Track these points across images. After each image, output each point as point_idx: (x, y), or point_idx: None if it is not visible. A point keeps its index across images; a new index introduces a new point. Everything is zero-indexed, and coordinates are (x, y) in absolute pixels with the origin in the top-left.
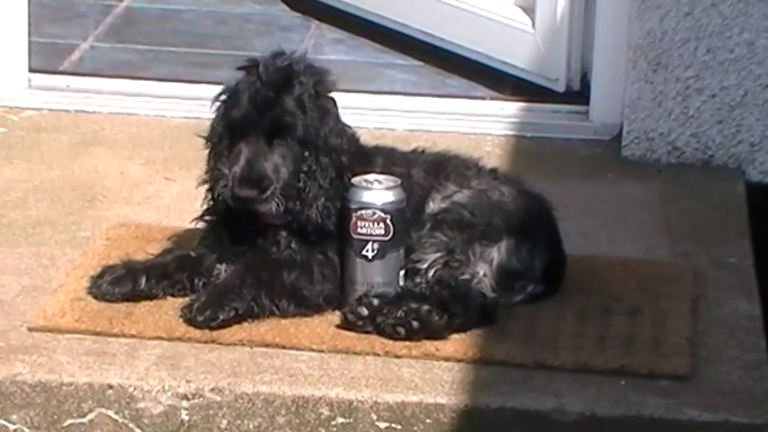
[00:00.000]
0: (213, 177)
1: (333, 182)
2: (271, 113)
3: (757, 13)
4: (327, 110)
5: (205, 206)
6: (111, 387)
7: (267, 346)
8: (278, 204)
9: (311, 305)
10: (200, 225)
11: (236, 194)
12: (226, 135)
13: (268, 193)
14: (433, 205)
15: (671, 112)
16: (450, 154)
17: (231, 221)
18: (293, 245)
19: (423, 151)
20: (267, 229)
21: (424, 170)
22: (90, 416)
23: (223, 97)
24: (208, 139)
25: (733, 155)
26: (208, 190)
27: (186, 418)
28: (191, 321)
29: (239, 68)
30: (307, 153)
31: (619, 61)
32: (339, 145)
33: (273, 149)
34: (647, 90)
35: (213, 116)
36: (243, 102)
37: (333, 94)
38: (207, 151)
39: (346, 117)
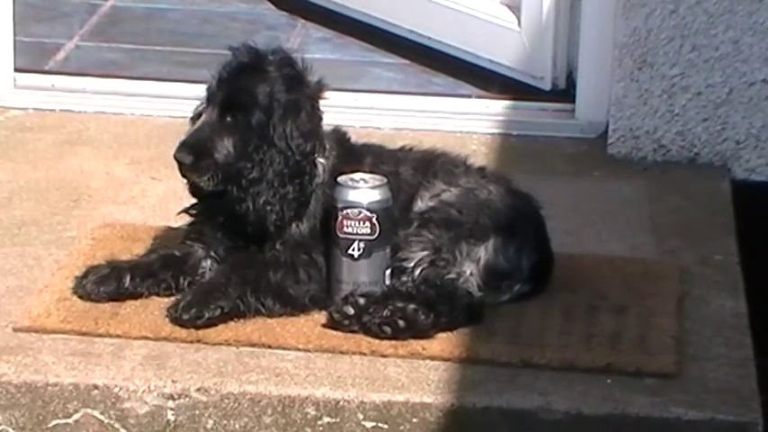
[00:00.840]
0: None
1: (284, 182)
2: (228, 88)
3: (742, 11)
4: (298, 109)
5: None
6: (96, 387)
7: (253, 345)
8: (212, 178)
9: (297, 305)
10: (185, 222)
11: (174, 157)
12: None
13: (203, 162)
14: (421, 203)
15: (656, 110)
16: (438, 152)
17: (215, 220)
18: (278, 245)
19: (411, 149)
20: (252, 229)
21: (412, 168)
22: (75, 416)
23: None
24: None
25: (718, 152)
26: None
27: (172, 418)
28: (176, 320)
29: (230, 48)
30: (259, 142)
31: (604, 59)
32: (301, 147)
33: (225, 125)
34: (632, 88)
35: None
36: (212, 78)
37: (321, 101)
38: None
39: (332, 116)
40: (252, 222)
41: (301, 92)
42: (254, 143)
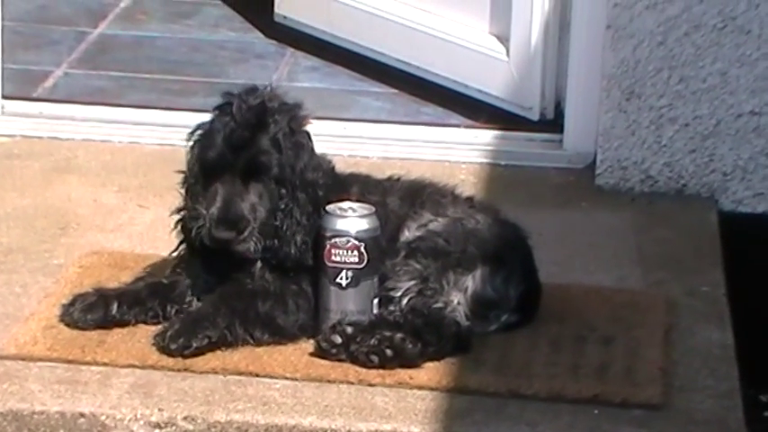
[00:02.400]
0: (191, 217)
1: (310, 216)
2: (246, 154)
3: (729, 43)
4: (302, 144)
5: (179, 240)
6: (83, 416)
7: (241, 374)
8: (255, 243)
9: (286, 334)
10: (174, 254)
11: (213, 236)
12: (201, 175)
13: (246, 233)
14: (408, 233)
15: (644, 141)
16: (426, 182)
17: (205, 252)
18: (267, 276)
19: (398, 179)
20: (242, 261)
21: (399, 198)
22: None
23: (197, 137)
24: (184, 178)
25: (706, 184)
26: (182, 228)
27: None
28: (164, 349)
29: (214, 108)
30: (283, 191)
31: (592, 90)
32: (315, 179)
33: (250, 189)
34: (620, 119)
35: (188, 155)
36: (217, 143)
37: (307, 127)
38: (183, 187)
39: (320, 144)
40: (294, 262)
41: (301, 128)
42: (279, 194)
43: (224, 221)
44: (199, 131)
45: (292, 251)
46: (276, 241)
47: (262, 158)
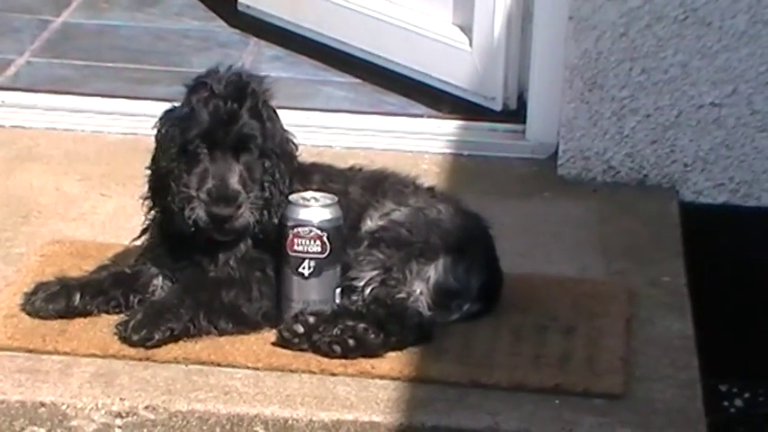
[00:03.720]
0: (181, 200)
1: (291, 187)
2: (234, 127)
3: (691, 35)
4: (276, 117)
5: (144, 225)
6: (43, 405)
7: (202, 363)
8: (251, 217)
9: (250, 323)
10: (138, 243)
11: (214, 213)
12: (181, 157)
13: (243, 208)
14: (371, 223)
15: (606, 132)
16: (388, 172)
17: (170, 239)
18: (231, 262)
19: (360, 169)
20: (205, 247)
21: (361, 187)
22: None
23: (172, 121)
24: (159, 163)
25: (667, 174)
26: (164, 212)
27: None
28: (126, 340)
29: (191, 87)
30: (267, 163)
31: (555, 81)
32: (292, 150)
33: (240, 163)
34: (582, 110)
35: (161, 141)
36: (203, 119)
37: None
38: (155, 175)
39: None
40: (277, 234)
41: (270, 100)
42: (262, 166)
43: (223, 198)
44: (172, 116)
45: (276, 220)
46: (266, 213)
47: (248, 130)
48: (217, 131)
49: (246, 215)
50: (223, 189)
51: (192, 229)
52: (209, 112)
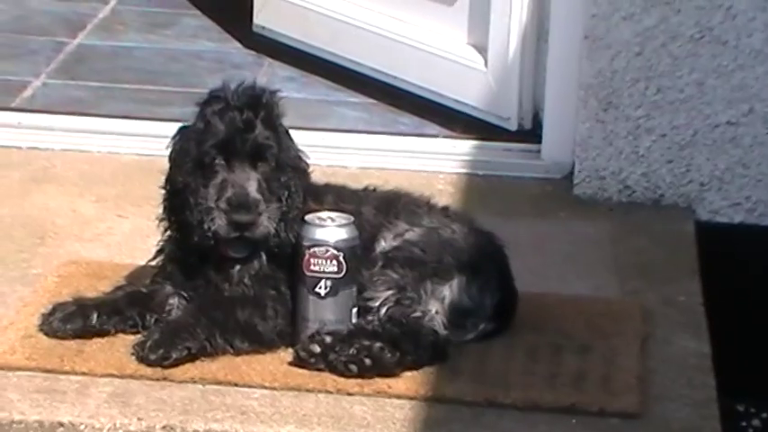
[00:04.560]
0: (200, 212)
1: (305, 203)
2: (251, 135)
3: (706, 54)
4: (288, 132)
5: (159, 246)
6: (61, 425)
7: (219, 383)
8: (270, 226)
9: (265, 341)
10: (153, 263)
11: (234, 221)
12: (199, 169)
13: (263, 216)
14: (384, 243)
15: (621, 152)
16: (401, 192)
17: (184, 257)
18: (246, 280)
19: (374, 189)
20: (220, 265)
21: (374, 208)
22: None
23: (185, 136)
24: (175, 179)
25: (683, 194)
26: (181, 229)
27: None
28: (143, 359)
29: (205, 101)
30: (283, 177)
31: (570, 100)
32: (305, 167)
33: (258, 172)
34: (597, 129)
35: (175, 157)
36: (219, 130)
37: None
38: (170, 192)
39: None
40: (292, 248)
41: (282, 119)
42: (278, 179)
43: (244, 205)
44: (186, 131)
45: (291, 237)
46: (283, 225)
47: (265, 140)
48: (233, 141)
49: (266, 223)
50: (243, 196)
51: (212, 241)
52: (224, 123)
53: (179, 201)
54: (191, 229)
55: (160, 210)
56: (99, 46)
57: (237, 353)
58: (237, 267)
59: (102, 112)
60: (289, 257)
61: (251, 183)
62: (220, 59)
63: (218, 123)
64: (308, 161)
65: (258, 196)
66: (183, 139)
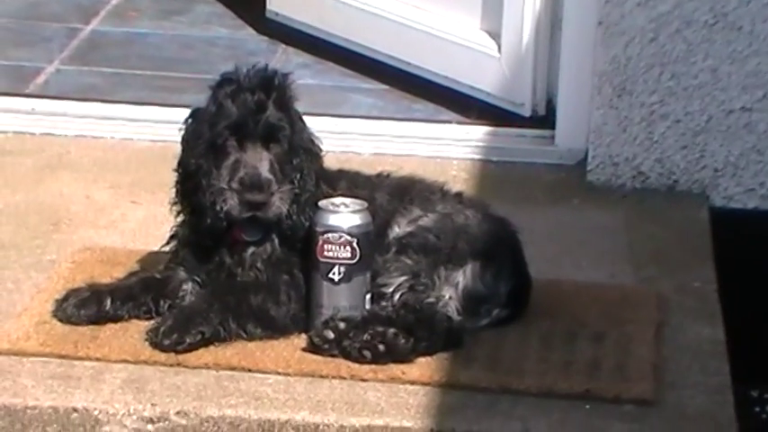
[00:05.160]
0: (213, 193)
1: (317, 187)
2: (263, 116)
3: (721, 40)
4: (301, 115)
5: (172, 231)
6: (76, 411)
7: (233, 369)
8: (283, 206)
9: (278, 327)
10: (166, 249)
11: (247, 200)
12: (211, 151)
13: (275, 197)
14: (398, 229)
15: (635, 138)
16: (415, 178)
17: (197, 241)
18: (259, 264)
19: (387, 175)
20: (233, 249)
21: (388, 194)
22: None
23: (197, 118)
24: (188, 161)
25: (697, 180)
26: (195, 211)
27: None
28: (157, 345)
29: (217, 83)
30: (296, 159)
31: (584, 87)
32: (318, 150)
33: (270, 153)
34: (611, 115)
35: (188, 140)
36: (231, 111)
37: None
38: (181, 175)
39: None
40: (305, 231)
41: (294, 101)
42: (291, 161)
43: (257, 184)
44: (198, 114)
45: (304, 219)
46: (295, 207)
47: (278, 121)
48: (246, 122)
49: (279, 204)
50: (256, 176)
51: (224, 222)
52: (236, 105)
53: (192, 183)
54: (203, 211)
55: (173, 193)
56: (112, 32)
57: (251, 338)
58: (250, 251)
59: (116, 98)
60: (302, 241)
61: (263, 163)
62: (234, 46)
63: (230, 105)
64: (321, 145)
65: (270, 176)
66: (195, 121)
